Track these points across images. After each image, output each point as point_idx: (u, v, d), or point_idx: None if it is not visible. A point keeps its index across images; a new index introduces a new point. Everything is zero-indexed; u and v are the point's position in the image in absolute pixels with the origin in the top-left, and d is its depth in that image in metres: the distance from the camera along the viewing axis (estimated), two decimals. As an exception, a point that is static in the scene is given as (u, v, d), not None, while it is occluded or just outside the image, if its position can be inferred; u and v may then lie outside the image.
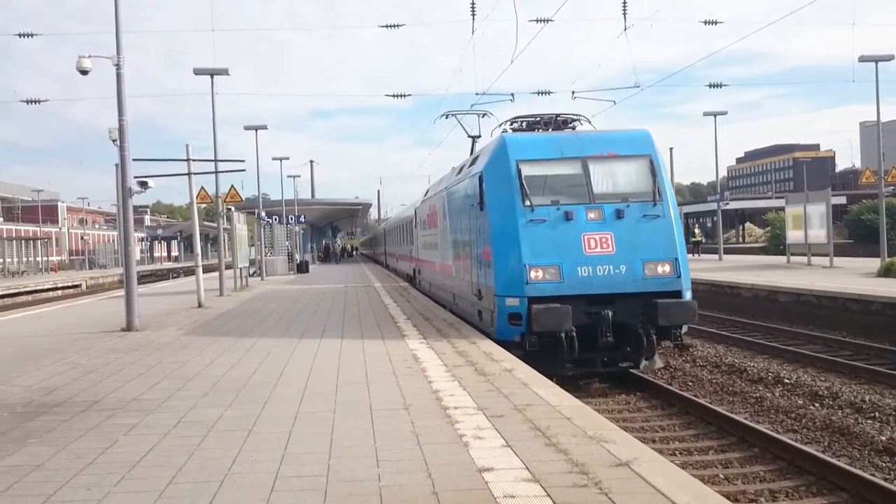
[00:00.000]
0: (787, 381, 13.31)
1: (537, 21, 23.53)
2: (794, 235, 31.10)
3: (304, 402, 8.18)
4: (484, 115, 21.84)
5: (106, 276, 57.82)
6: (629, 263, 12.35)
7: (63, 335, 15.50)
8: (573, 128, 15.31)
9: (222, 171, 25.21)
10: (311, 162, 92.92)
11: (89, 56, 17.12)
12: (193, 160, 22.13)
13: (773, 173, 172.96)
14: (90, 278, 55.58)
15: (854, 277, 23.24)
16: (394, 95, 31.48)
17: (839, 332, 18.00)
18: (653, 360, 13.09)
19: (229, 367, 10.76)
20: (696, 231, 58.90)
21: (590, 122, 15.64)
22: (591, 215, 12.65)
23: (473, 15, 22.78)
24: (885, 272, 23.46)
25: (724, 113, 43.43)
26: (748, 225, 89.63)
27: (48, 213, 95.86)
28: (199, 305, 21.42)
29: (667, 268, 12.49)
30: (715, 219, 58.52)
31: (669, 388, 12.67)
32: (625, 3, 22.21)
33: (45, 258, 72.21)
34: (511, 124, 15.66)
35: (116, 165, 17.53)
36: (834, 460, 8.70)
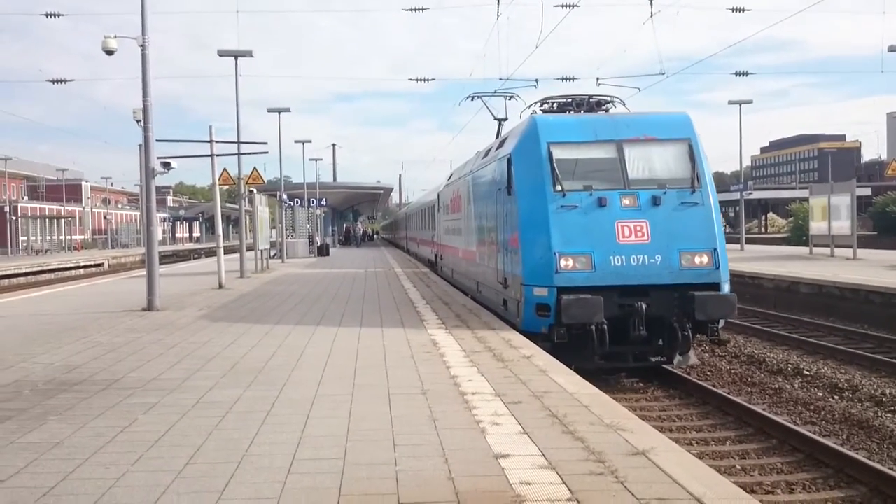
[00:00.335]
0: (806, 372, 13.22)
1: (563, 6, 23.40)
2: (817, 226, 30.82)
3: (322, 385, 8.21)
4: (511, 97, 21.32)
5: (128, 256, 58.31)
6: (665, 253, 11.76)
7: (85, 314, 15.65)
8: (606, 110, 14.56)
9: (245, 153, 25.31)
10: (334, 145, 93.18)
11: (115, 36, 17.23)
12: (216, 142, 22.25)
13: (798, 163, 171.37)
14: (112, 257, 56.05)
15: (877, 269, 23.01)
16: (417, 79, 31.44)
17: (861, 324, 17.84)
18: (687, 356, 12.50)
19: (249, 348, 10.82)
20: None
21: (624, 105, 14.93)
22: (626, 202, 12.05)
23: (499, -1, 22.64)
24: (910, 265, 23.18)
25: (750, 102, 42.95)
26: (771, 215, 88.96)
27: (72, 192, 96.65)
28: (220, 286, 21.55)
29: (705, 258, 11.87)
30: (737, 208, 58.09)
31: (688, 377, 12.60)
32: (651, -11, 21.99)
33: (68, 237, 72.96)
34: (541, 106, 14.95)
35: (140, 146, 17.70)
36: (853, 453, 8.63)
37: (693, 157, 12.56)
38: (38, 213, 74.26)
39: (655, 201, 12.04)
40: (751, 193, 56.24)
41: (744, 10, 24.88)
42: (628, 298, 11.67)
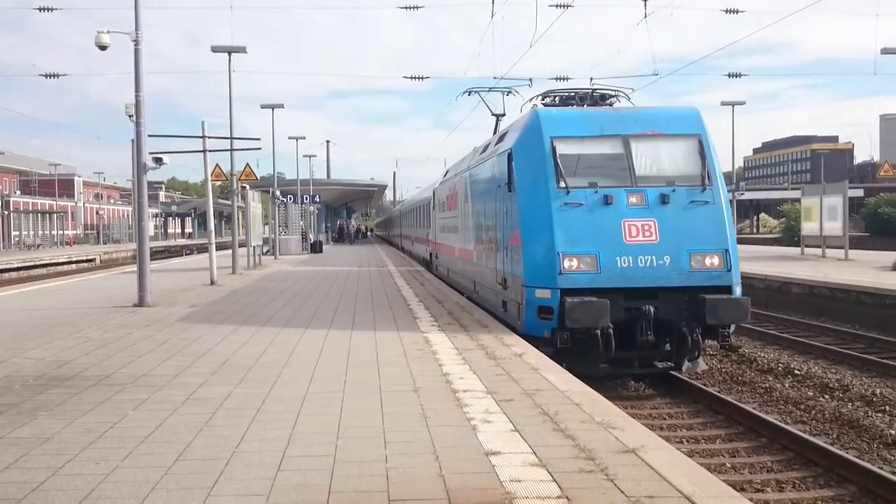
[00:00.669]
0: (797, 372, 13.27)
1: (557, 6, 23.41)
2: (809, 227, 30.92)
3: (313, 382, 8.20)
4: (509, 92, 20.80)
5: (120, 251, 58.15)
6: (674, 254, 11.20)
7: (76, 309, 15.60)
8: (610, 104, 13.95)
9: (238, 149, 25.21)
10: (328, 142, 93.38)
11: (108, 31, 17.16)
12: (209, 137, 22.14)
13: (790, 164, 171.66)
14: (104, 253, 55.90)
15: (869, 270, 23.08)
16: (412, 77, 31.47)
17: (852, 324, 17.90)
18: (696, 362, 11.91)
19: (240, 345, 10.80)
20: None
21: (629, 99, 14.24)
22: (633, 200, 11.50)
23: (493, -3, 22.62)
24: (901, 266, 23.26)
25: (743, 103, 43.07)
26: (763, 215, 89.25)
27: (64, 186, 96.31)
28: (212, 283, 21.51)
29: (716, 260, 11.31)
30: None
31: (678, 376, 12.63)
32: (645, -11, 21.98)
33: (60, 232, 72.73)
34: (542, 99, 14.34)
35: (132, 141, 17.57)
36: (842, 452, 8.67)
37: (703, 153, 12.05)
38: (31, 208, 73.94)
39: (664, 199, 11.51)
40: (743, 194, 56.37)
41: (737, 12, 24.93)
42: (635, 301, 11.15)
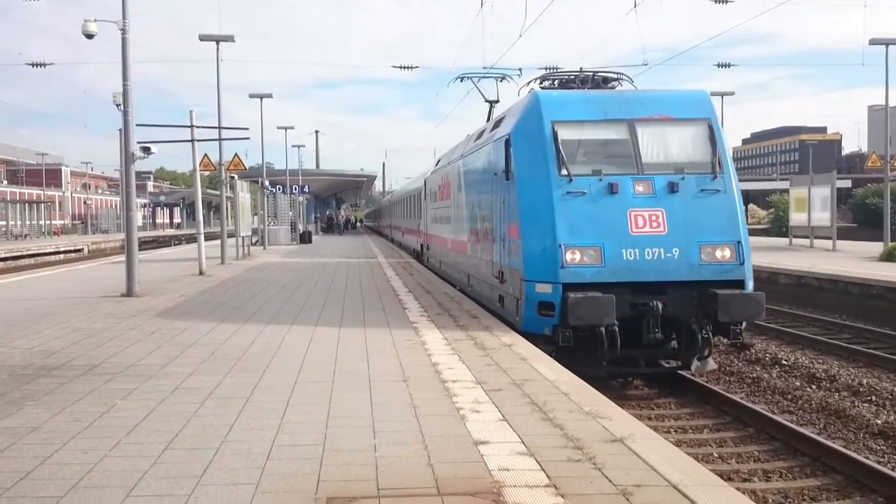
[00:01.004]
0: (784, 362, 13.34)
1: (546, -5, 23.32)
2: (797, 217, 31.07)
3: (302, 372, 8.20)
4: (502, 78, 20.23)
5: (108, 241, 57.89)
6: (683, 246, 10.57)
7: (64, 299, 15.54)
8: (613, 88, 13.18)
9: (226, 139, 25.09)
10: (317, 132, 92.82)
11: (95, 20, 17.04)
12: (197, 127, 22.04)
13: (779, 155, 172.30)
14: (92, 243, 55.64)
15: (856, 261, 23.21)
16: (400, 67, 31.45)
17: (839, 315, 18.01)
18: (706, 361, 11.07)
19: (228, 335, 10.78)
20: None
21: (632, 83, 13.51)
22: (640, 188, 10.87)
23: (482, -13, 22.53)
24: (888, 256, 23.41)
25: (732, 93, 43.01)
26: (751, 206, 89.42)
27: (52, 176, 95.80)
28: (201, 273, 21.44)
29: (727, 252, 10.68)
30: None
31: (667, 366, 12.67)
32: (635, -22, 21.93)
33: (48, 222, 72.32)
34: (541, 83, 13.45)
35: (120, 130, 17.51)
36: (829, 442, 8.74)
37: (713, 138, 11.41)
38: (18, 198, 73.52)
39: (672, 188, 10.88)
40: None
41: (726, 2, 24.92)
42: (642, 297, 10.53)
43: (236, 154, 27.64)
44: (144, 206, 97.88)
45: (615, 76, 13.36)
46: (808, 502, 7.42)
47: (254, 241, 36.24)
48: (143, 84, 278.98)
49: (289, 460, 5.28)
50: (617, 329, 10.22)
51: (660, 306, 10.43)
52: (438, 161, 23.95)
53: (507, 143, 12.04)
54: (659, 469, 5.08)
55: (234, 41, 25.91)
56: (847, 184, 70.27)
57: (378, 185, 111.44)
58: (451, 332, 10.76)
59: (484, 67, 20.53)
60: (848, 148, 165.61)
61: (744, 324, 10.93)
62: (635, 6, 21.69)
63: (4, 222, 64.59)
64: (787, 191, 38.70)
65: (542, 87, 13.24)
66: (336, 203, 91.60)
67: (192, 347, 9.82)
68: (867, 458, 8.36)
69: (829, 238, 28.48)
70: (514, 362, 8.63)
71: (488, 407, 6.66)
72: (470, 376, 7.88)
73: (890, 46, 26.35)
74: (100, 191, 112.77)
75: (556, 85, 13.35)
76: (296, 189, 48.53)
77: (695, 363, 11.03)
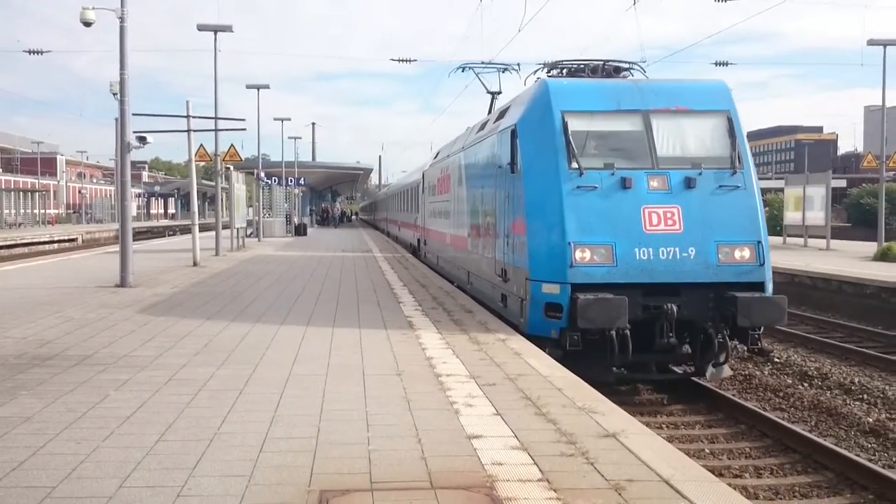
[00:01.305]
0: (776, 360, 13.38)
1: (545, -10, 23.29)
2: (791, 217, 31.14)
3: (296, 364, 8.20)
4: (505, 69, 19.76)
5: (102, 231, 57.80)
6: (700, 245, 10.00)
7: (58, 289, 15.51)
8: (624, 78, 12.41)
9: (222, 130, 25.09)
10: (313, 124, 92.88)
11: (93, 8, 17.00)
12: (193, 117, 22.01)
13: (775, 154, 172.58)
14: (86, 232, 55.54)
15: (850, 260, 23.27)
16: (399, 60, 31.42)
17: (832, 313, 18.06)
18: (721, 368, 10.61)
19: (222, 327, 10.78)
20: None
21: (643, 73, 12.75)
22: (654, 183, 10.27)
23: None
24: (882, 256, 23.49)
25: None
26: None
27: (47, 165, 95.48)
28: (195, 264, 21.43)
29: (746, 252, 10.16)
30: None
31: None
32: (634, -25, 21.90)
33: (42, 211, 72.17)
34: (548, 72, 12.70)
35: (116, 119, 17.47)
36: (820, 440, 8.77)
37: (733, 131, 10.81)
38: (13, 186, 73.29)
39: (689, 184, 10.29)
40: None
41: (726, 0, 24.94)
42: (655, 299, 9.93)
43: (232, 145, 27.53)
44: (139, 196, 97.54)
45: (626, 66, 12.66)
46: (799, 499, 7.45)
47: (248, 232, 36.22)
48: (141, 73, 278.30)
49: (282, 453, 5.28)
50: (629, 333, 9.64)
51: (674, 309, 9.82)
52: (437, 153, 23.31)
53: (514, 134, 11.48)
54: (651, 464, 5.10)
55: (232, 31, 25.81)
56: (842, 183, 70.37)
57: (374, 179, 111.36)
58: (446, 326, 10.77)
59: (482, 62, 20.30)
60: (844, 148, 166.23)
61: (762, 329, 10.36)
62: (634, 3, 21.68)
63: (-2, 211, 64.42)
64: (782, 189, 38.76)
65: (549, 77, 12.46)
66: (332, 196, 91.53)
67: (186, 339, 9.81)
68: (858, 455, 8.40)
69: (824, 237, 28.55)
70: (508, 357, 8.65)
71: (482, 401, 6.67)
72: (464, 370, 7.90)
73: (888, 47, 26.36)
74: (95, 180, 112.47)
75: (565, 74, 12.59)
76: (291, 181, 48.49)
77: (710, 370, 10.56)
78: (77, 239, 51.89)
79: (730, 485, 6.05)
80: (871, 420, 9.79)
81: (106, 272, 18.43)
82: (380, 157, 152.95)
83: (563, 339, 9.91)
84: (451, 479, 4.81)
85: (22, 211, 67.20)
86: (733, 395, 10.91)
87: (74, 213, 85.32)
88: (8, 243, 43.04)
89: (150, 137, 16.91)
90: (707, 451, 8.72)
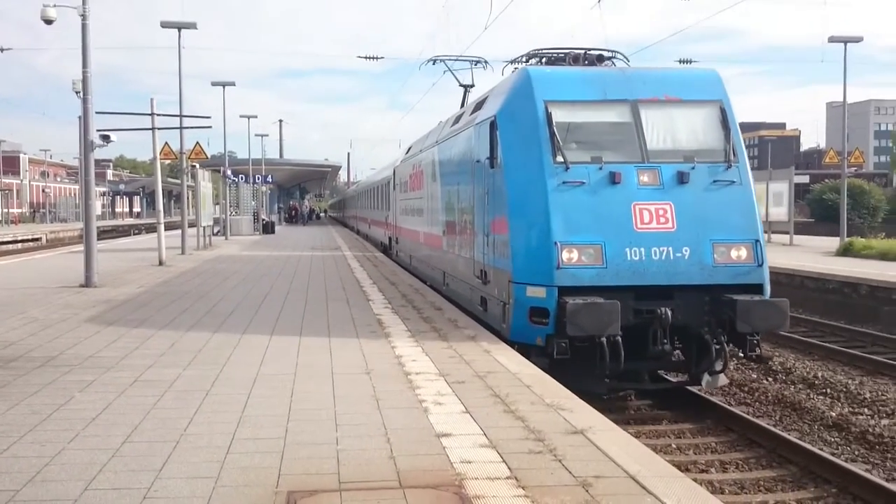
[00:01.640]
0: (740, 355, 13.50)
1: (511, -13, 23.33)
2: (756, 212, 31.47)
3: (264, 365, 8.16)
4: (477, 62, 19.18)
5: (66, 230, 57.04)
6: (694, 245, 9.38)
7: (21, 289, 15.29)
8: (607, 67, 11.72)
9: (187, 127, 24.83)
10: (280, 121, 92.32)
11: (54, 5, 16.77)
12: (158, 115, 21.79)
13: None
14: (50, 232, 54.78)
15: (813, 255, 23.62)
16: (366, 57, 31.33)
17: (795, 309, 18.26)
18: (717, 376, 9.99)
19: (188, 327, 10.69)
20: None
21: (627, 62, 12.02)
22: (645, 178, 9.65)
23: (448, -22, 22.42)
24: (844, 251, 23.87)
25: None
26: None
27: (9, 164, 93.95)
28: (160, 263, 21.22)
29: (743, 252, 9.53)
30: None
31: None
32: (600, -27, 21.99)
33: (5, 210, 71.04)
34: (527, 61, 12.06)
35: (79, 117, 17.21)
36: (785, 434, 8.89)
37: (727, 123, 10.24)
38: (-27, 186, 72.12)
39: (681, 178, 9.67)
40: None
41: (690, -2, 25.15)
42: (647, 302, 9.30)
43: (198, 142, 27.29)
44: (104, 194, 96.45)
45: (609, 54, 11.99)
46: (764, 493, 7.54)
47: (215, 231, 35.93)
48: (104, 71, 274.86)
49: (249, 454, 5.26)
50: (620, 340, 8.97)
51: (668, 313, 9.19)
52: (409, 149, 22.29)
53: (493, 126, 10.79)
54: (618, 460, 5.14)
55: (196, 28, 25.55)
56: (805, 179, 71.22)
57: (343, 176, 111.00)
58: (416, 323, 10.76)
59: (454, 56, 20.07)
60: (807, 144, 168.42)
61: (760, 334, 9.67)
62: (599, 1, 21.79)
63: (-41, 210, 63.37)
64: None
65: (528, 66, 11.69)
66: (300, 193, 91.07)
67: (152, 339, 9.72)
68: (822, 449, 8.53)
69: (787, 233, 28.95)
70: (478, 354, 8.66)
71: (451, 399, 6.69)
72: (433, 368, 7.91)
73: (848, 44, 26.77)
74: (58, 179, 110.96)
75: (545, 63, 11.91)
76: (258, 178, 48.17)
77: (706, 378, 9.98)
78: (41, 238, 51.19)
79: (696, 480, 6.14)
80: (833, 414, 9.95)
81: (70, 272, 18.20)
82: (348, 154, 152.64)
83: (550, 346, 9.23)
84: (420, 478, 4.82)
85: (-17, 210, 66.15)
86: (699, 390, 11.00)
87: (38, 212, 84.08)
88: (-31, 243, 42.34)
89: (113, 136, 16.75)
90: (674, 445, 8.81)
